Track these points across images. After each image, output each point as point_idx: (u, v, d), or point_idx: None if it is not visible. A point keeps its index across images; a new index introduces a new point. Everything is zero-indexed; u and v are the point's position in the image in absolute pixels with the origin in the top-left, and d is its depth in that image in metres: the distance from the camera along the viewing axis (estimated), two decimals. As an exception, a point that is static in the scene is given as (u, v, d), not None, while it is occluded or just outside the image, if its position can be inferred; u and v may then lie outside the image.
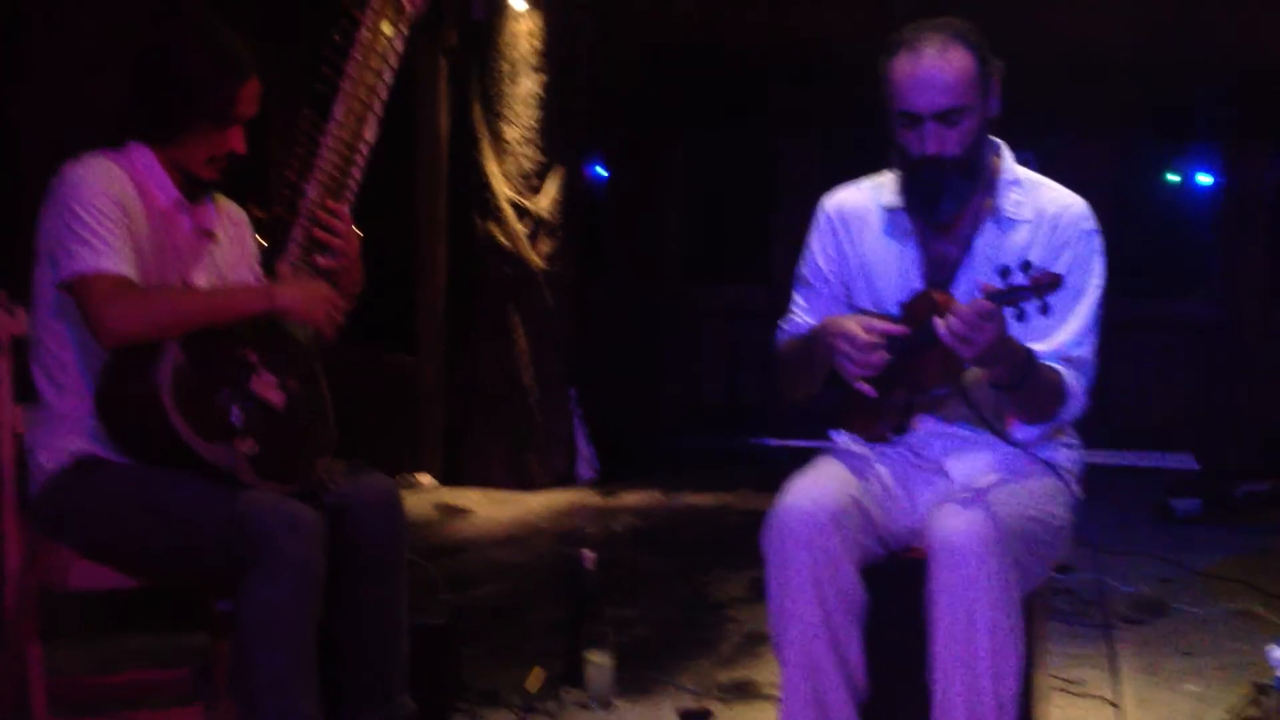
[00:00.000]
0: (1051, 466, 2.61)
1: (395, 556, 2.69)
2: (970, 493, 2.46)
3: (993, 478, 2.53)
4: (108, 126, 2.64)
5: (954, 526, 2.36)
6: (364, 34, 2.68)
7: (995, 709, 2.34)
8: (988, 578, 2.32)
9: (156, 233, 2.61)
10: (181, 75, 2.56)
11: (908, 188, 2.63)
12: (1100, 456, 2.62)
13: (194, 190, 2.68)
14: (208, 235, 2.72)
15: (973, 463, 2.61)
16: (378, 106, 2.71)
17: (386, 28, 2.71)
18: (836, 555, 2.41)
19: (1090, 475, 2.71)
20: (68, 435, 2.57)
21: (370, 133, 2.70)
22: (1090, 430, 2.71)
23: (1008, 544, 2.35)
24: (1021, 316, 2.31)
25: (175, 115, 2.58)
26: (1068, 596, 4.37)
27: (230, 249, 2.77)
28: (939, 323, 2.34)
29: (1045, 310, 2.30)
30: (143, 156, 2.62)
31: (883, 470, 2.63)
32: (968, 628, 2.32)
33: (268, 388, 2.55)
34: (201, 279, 2.66)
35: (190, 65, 2.56)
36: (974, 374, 2.54)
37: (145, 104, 2.61)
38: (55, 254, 2.49)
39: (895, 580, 2.49)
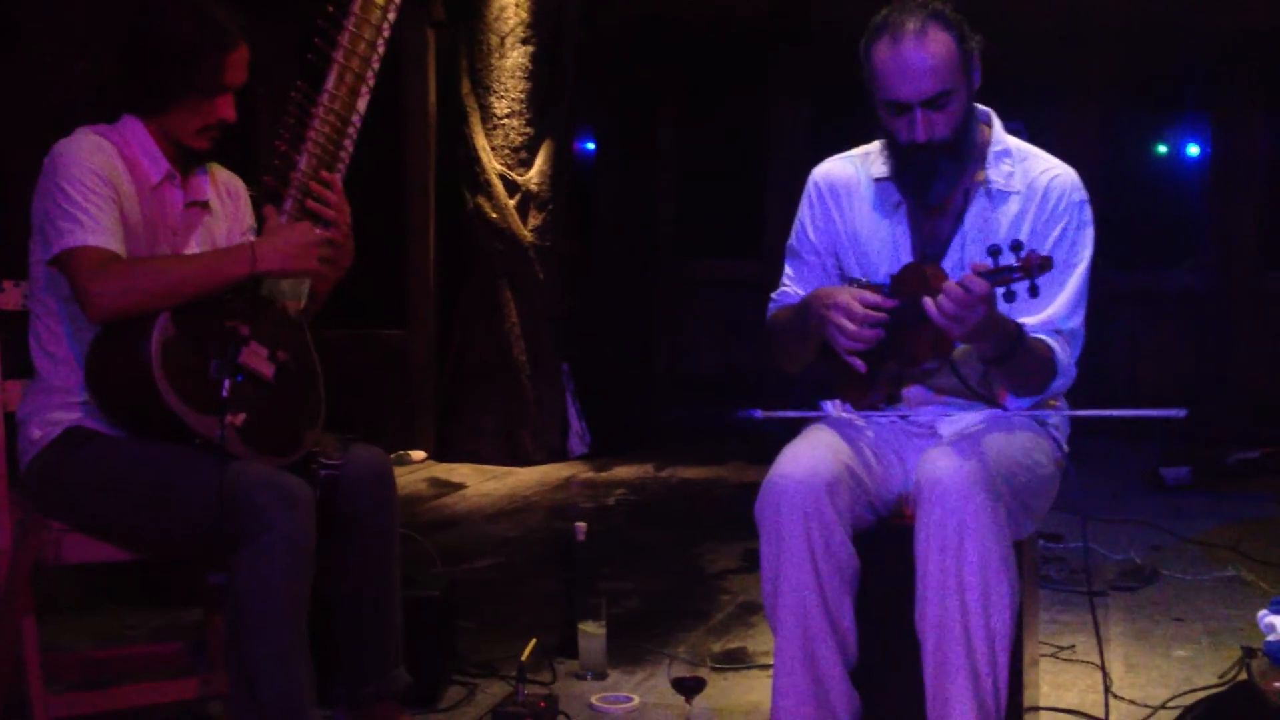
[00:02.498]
0: (1040, 423, 2.61)
1: (388, 528, 2.70)
2: (958, 439, 2.48)
3: (981, 428, 2.55)
4: (99, 101, 2.64)
5: (941, 464, 2.38)
6: (358, 4, 2.68)
7: (985, 641, 2.34)
8: (975, 509, 2.33)
9: (147, 207, 2.61)
10: (167, 45, 2.56)
11: (898, 171, 2.62)
12: (1089, 412, 2.62)
13: (187, 162, 2.68)
14: (201, 206, 2.71)
15: (963, 422, 2.62)
16: (370, 77, 2.70)
17: None
18: (830, 522, 2.42)
19: (1080, 443, 2.71)
20: (60, 408, 2.57)
21: (363, 104, 2.70)
22: (1081, 401, 2.72)
23: (994, 482, 2.37)
24: (1010, 297, 2.31)
25: (163, 86, 2.58)
26: (1058, 564, 4.39)
27: (225, 220, 2.77)
28: (929, 303, 2.33)
29: (1035, 292, 2.29)
30: (134, 130, 2.62)
31: (874, 437, 2.63)
32: (957, 559, 2.33)
33: (258, 359, 2.55)
34: (195, 250, 2.66)
35: (175, 35, 2.56)
36: (964, 349, 2.54)
37: (133, 76, 2.62)
38: (45, 230, 2.51)
39: (886, 546, 2.51)
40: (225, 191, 2.79)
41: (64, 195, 2.48)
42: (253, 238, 2.72)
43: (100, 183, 2.51)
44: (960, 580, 2.33)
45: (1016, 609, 2.39)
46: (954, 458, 2.38)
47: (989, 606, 2.34)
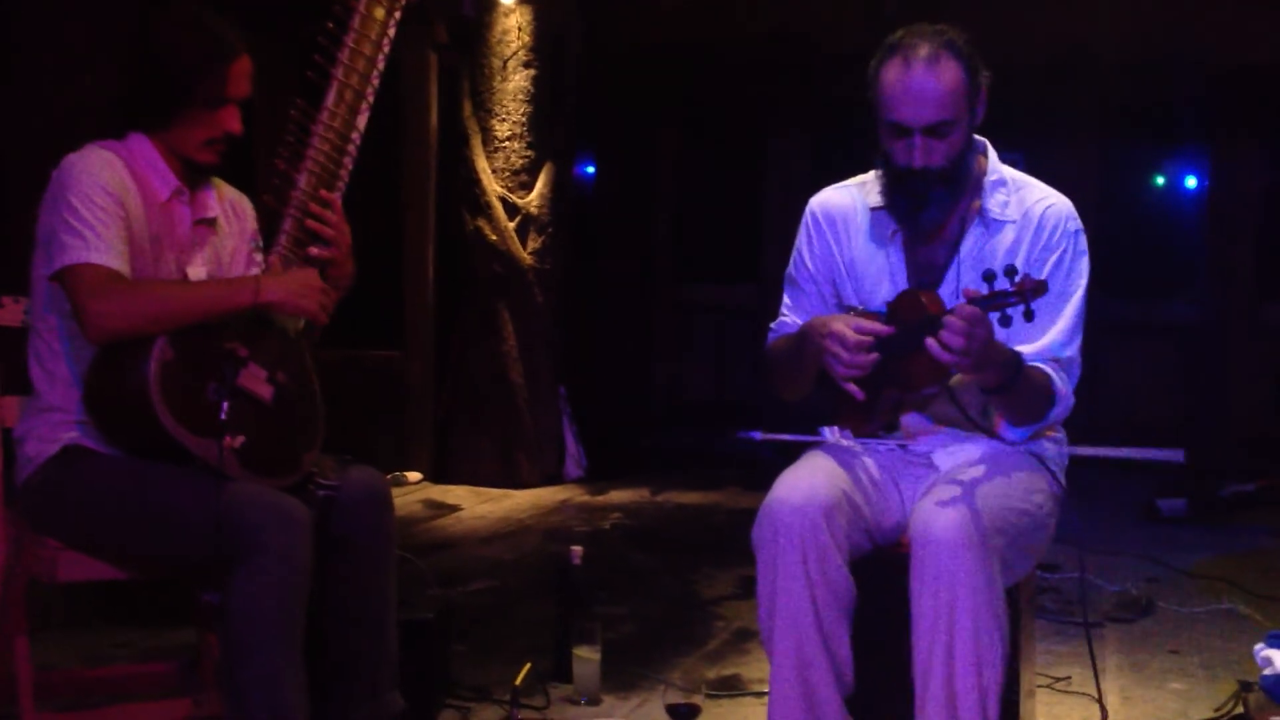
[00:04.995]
0: (1037, 458, 2.61)
1: (384, 550, 2.69)
2: (954, 485, 2.46)
3: (978, 470, 2.53)
4: (102, 117, 2.64)
5: (934, 521, 2.36)
6: (357, 20, 2.68)
7: (977, 700, 2.34)
8: (968, 570, 2.32)
9: (155, 224, 2.61)
10: (169, 59, 2.56)
11: (891, 195, 2.62)
12: (1088, 450, 2.61)
13: (194, 177, 2.68)
14: (208, 224, 2.71)
15: (960, 456, 2.62)
16: (370, 95, 2.70)
17: (379, 13, 2.70)
18: (827, 549, 2.41)
19: (1077, 474, 2.71)
20: (58, 426, 2.57)
21: (363, 121, 2.69)
22: (1077, 431, 2.72)
23: (989, 537, 2.36)
24: (1006, 322, 2.31)
25: (167, 100, 2.58)
26: (1054, 595, 4.38)
27: (231, 237, 2.77)
28: (933, 344, 2.33)
29: (1030, 316, 2.29)
30: (142, 146, 2.62)
31: (872, 465, 2.63)
32: (949, 619, 2.33)
33: (256, 381, 2.54)
34: (200, 268, 2.66)
35: (176, 48, 2.56)
36: (961, 375, 2.54)
37: (137, 93, 2.62)
38: (49, 245, 2.50)
39: (883, 574, 2.50)
40: (231, 208, 2.80)
41: (71, 210, 2.48)
42: (259, 257, 2.73)
43: (108, 199, 2.51)
44: (950, 641, 2.34)
45: (1007, 661, 2.40)
46: (948, 513, 2.36)
47: (981, 664, 2.34)
